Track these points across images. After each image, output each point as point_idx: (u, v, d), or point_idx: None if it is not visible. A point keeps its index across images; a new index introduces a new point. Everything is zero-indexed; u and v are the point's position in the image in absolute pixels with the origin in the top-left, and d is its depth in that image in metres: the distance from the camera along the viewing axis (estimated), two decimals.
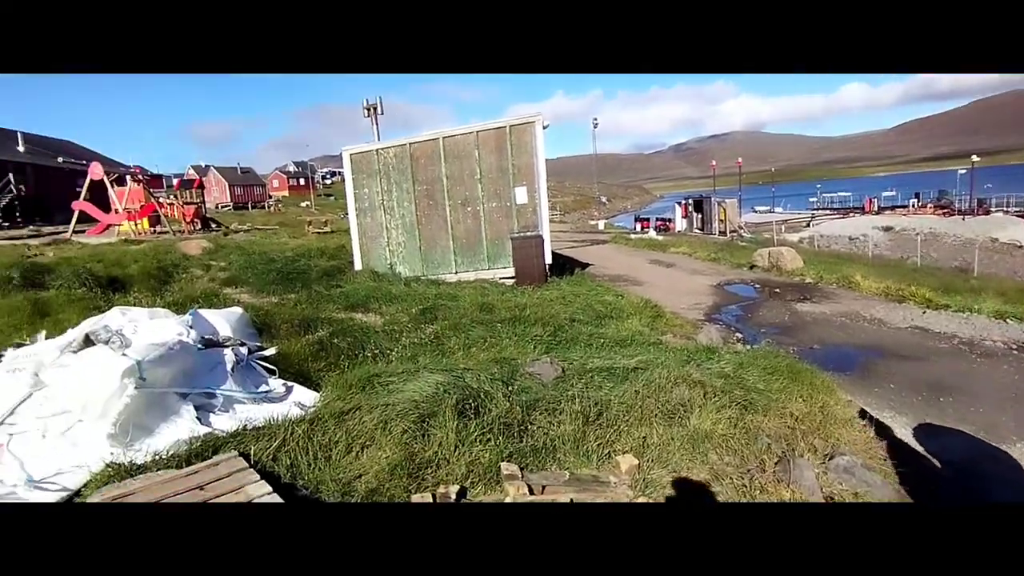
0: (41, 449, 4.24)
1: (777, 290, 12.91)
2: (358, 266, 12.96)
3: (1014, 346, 7.82)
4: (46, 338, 6.01)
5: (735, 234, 35.41)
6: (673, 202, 47.15)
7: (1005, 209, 42.08)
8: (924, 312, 10.02)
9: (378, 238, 12.93)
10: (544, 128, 12.52)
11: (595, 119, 53.06)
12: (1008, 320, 9.19)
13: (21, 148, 35.31)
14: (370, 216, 12.90)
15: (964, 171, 47.47)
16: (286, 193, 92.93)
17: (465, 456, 3.84)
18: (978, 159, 47.97)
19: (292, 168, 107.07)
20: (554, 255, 18.98)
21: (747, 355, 6.40)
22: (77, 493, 3.91)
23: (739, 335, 9.13)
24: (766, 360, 6.10)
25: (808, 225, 44.16)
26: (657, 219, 45.71)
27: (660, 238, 30.20)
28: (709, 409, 4.57)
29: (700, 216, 39.55)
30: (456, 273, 12.69)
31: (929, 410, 5.83)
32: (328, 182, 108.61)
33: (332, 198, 79.48)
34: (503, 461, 3.84)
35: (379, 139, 15.95)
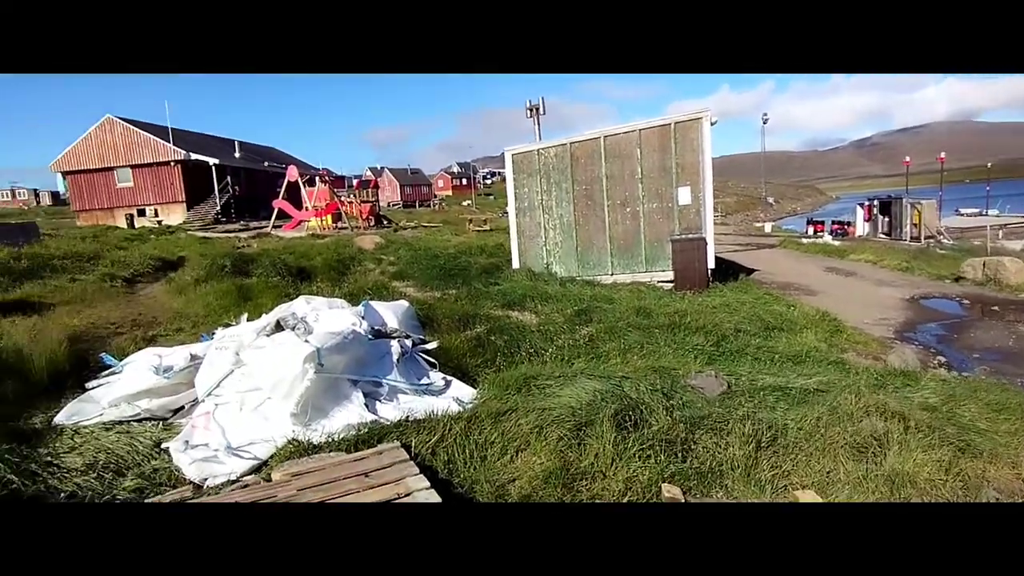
0: (238, 420, 4.76)
1: (995, 308, 10.92)
2: (515, 265, 13.19)
3: None
4: (247, 320, 6.81)
5: (932, 240, 30.77)
6: (853, 204, 42.25)
7: None
8: None
9: (536, 238, 13.05)
10: (712, 124, 11.79)
11: (765, 114, 49.46)
12: None
13: (237, 155, 41.09)
14: (529, 216, 13.06)
15: None
16: (449, 192, 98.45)
17: (623, 471, 3.63)
18: None
19: (456, 168, 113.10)
20: (717, 259, 17.92)
21: (959, 385, 5.41)
22: (265, 463, 4.32)
23: (942, 359, 7.83)
24: (988, 393, 5.10)
25: None
26: (833, 222, 41.19)
27: (837, 243, 27.18)
28: (912, 447, 3.89)
29: (887, 219, 34.92)
30: (612, 275, 12.41)
31: None
32: (488, 182, 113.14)
33: (491, 197, 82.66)
34: (664, 482, 3.57)
35: (540, 139, 16.14)
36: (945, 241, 31.67)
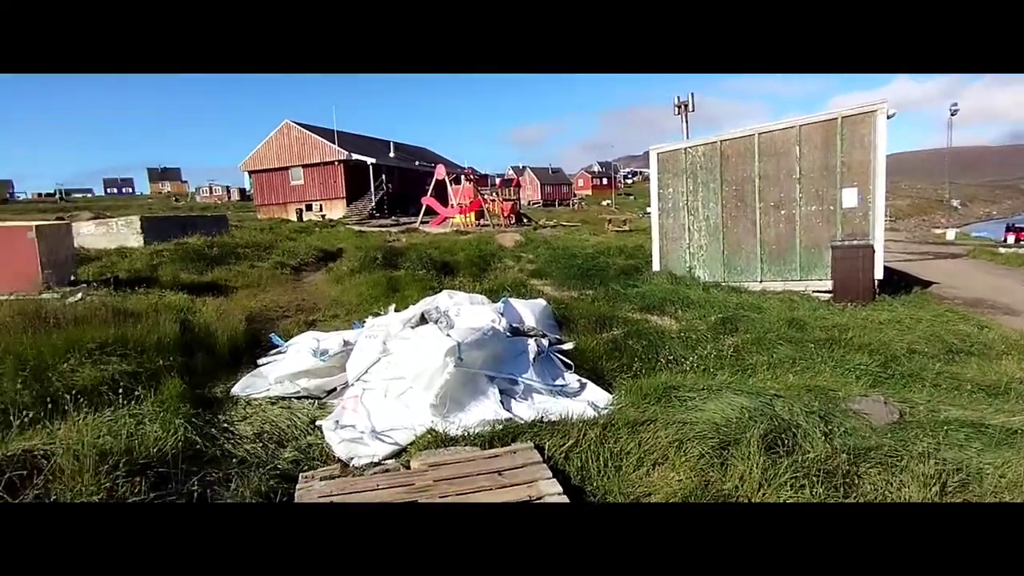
0: (383, 406, 5.05)
1: None
2: (656, 267, 12.78)
3: None
4: (395, 311, 7.23)
5: None
6: None
7: None
8: None
9: (679, 240, 12.53)
10: (889, 118, 10.53)
11: (954, 104, 43.46)
12: None
13: (392, 154, 44.16)
14: (672, 217, 12.57)
15: None
16: (589, 192, 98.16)
17: (771, 499, 3.32)
18: None
19: (596, 168, 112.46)
20: (884, 269, 16.08)
21: None
22: (404, 449, 4.54)
23: None
24: None
25: None
26: None
27: None
28: None
29: None
30: (761, 282, 11.57)
31: None
32: (629, 181, 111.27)
33: (632, 197, 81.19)
34: None
35: (687, 137, 15.48)
36: None
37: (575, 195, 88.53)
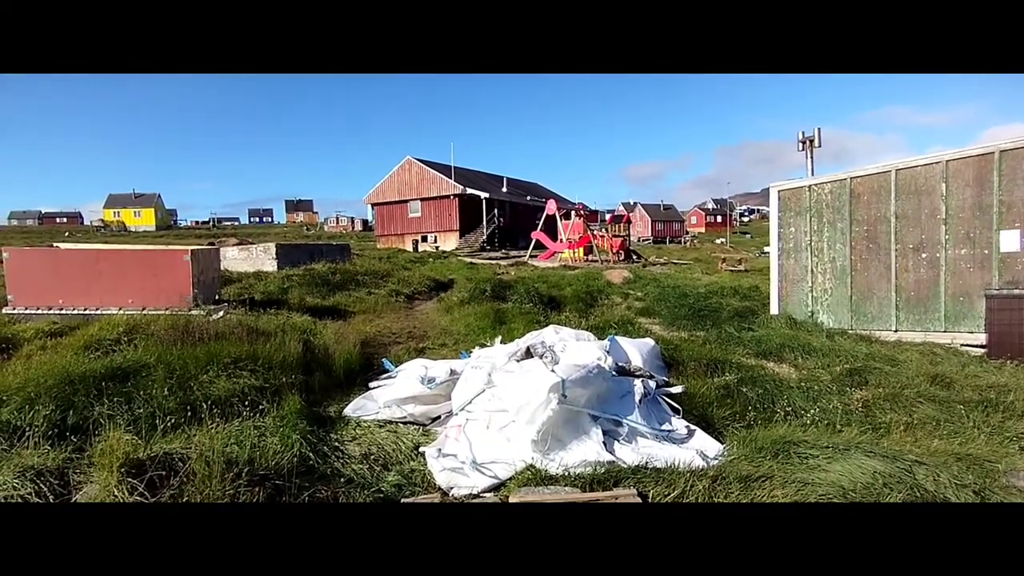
0: (485, 437, 5.06)
1: None
2: (774, 310, 12.01)
3: None
4: (501, 343, 7.30)
5: None
6: None
7: None
8: None
9: (800, 282, 11.72)
10: None
11: None
12: None
13: (504, 189, 45.45)
14: (793, 258, 11.81)
15: None
16: (703, 229, 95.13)
17: None
18: None
19: (711, 205, 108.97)
20: None
21: None
22: (503, 483, 4.50)
23: None
24: None
25: None
26: None
27: None
28: None
29: None
30: (896, 331, 10.49)
31: None
32: (745, 220, 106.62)
33: (748, 236, 77.57)
34: None
35: (812, 173, 14.57)
36: None
37: (687, 232, 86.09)
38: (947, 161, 10.02)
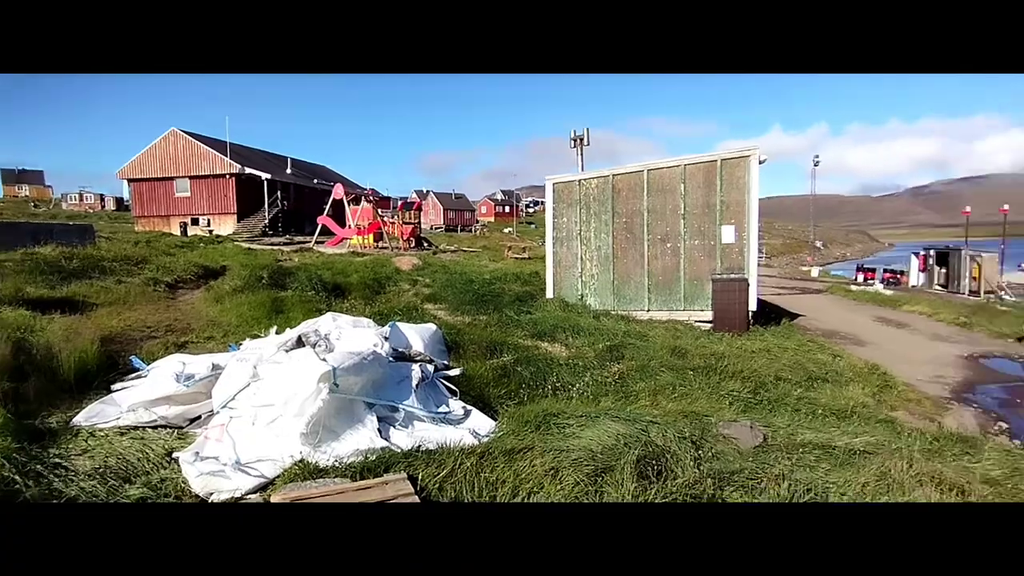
0: (250, 435, 4.63)
1: None
2: (549, 294, 12.99)
3: None
4: (276, 333, 6.77)
5: (991, 295, 29.23)
6: (908, 252, 40.66)
7: None
8: None
9: (572, 268, 12.85)
10: (760, 163, 11.47)
11: (816, 157, 48.43)
12: None
13: (289, 171, 42.39)
14: (566, 246, 12.89)
15: None
16: (492, 219, 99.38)
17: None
18: None
19: (499, 196, 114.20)
20: (759, 302, 17.34)
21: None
22: (271, 482, 4.18)
23: (1004, 425, 7.22)
24: None
25: None
26: (885, 270, 39.72)
27: (888, 293, 26.03)
28: None
29: (944, 271, 33.46)
30: (648, 311, 12.07)
31: None
32: (531, 210, 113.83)
33: (533, 226, 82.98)
34: None
35: (582, 169, 16.03)
36: (1006, 297, 30.05)
37: (477, 221, 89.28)
38: (685, 165, 11.75)
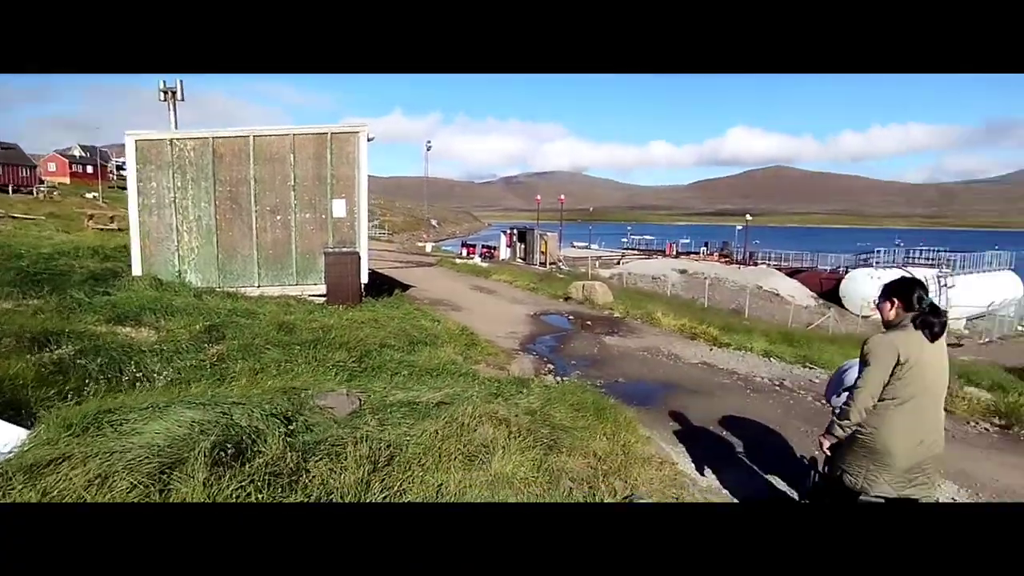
0: None
1: (588, 323, 13.49)
2: (137, 271, 11.04)
3: (776, 383, 8.81)
4: None
5: (554, 266, 37.31)
6: (500, 231, 48.66)
7: (768, 262, 49.80)
8: (711, 349, 11.04)
9: (166, 241, 11.15)
10: (369, 140, 11.85)
11: (428, 142, 53.29)
12: (771, 358, 10.44)
13: None
14: (157, 215, 11.10)
15: (740, 227, 55.48)
16: (67, 180, 79.52)
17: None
18: (750, 219, 56.50)
19: (78, 152, 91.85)
20: (374, 275, 18.15)
21: (556, 389, 6.33)
22: None
23: (551, 366, 9.20)
24: (574, 395, 6.06)
25: (619, 263, 48.14)
26: (483, 246, 46.71)
27: (484, 265, 30.66)
28: (512, 450, 4.27)
29: (523, 246, 41.16)
30: (259, 287, 11.36)
31: (717, 445, 6.17)
32: (124, 173, 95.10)
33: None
34: None
35: (176, 127, 13.99)
36: (564, 267, 38.60)
37: (42, 181, 70.15)
38: (295, 135, 11.34)
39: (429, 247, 45.72)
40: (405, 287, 18.05)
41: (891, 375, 3.11)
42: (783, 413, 7.36)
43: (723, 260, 50.79)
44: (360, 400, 5.27)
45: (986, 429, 7.15)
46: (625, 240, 70.48)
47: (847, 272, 39.59)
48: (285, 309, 10.23)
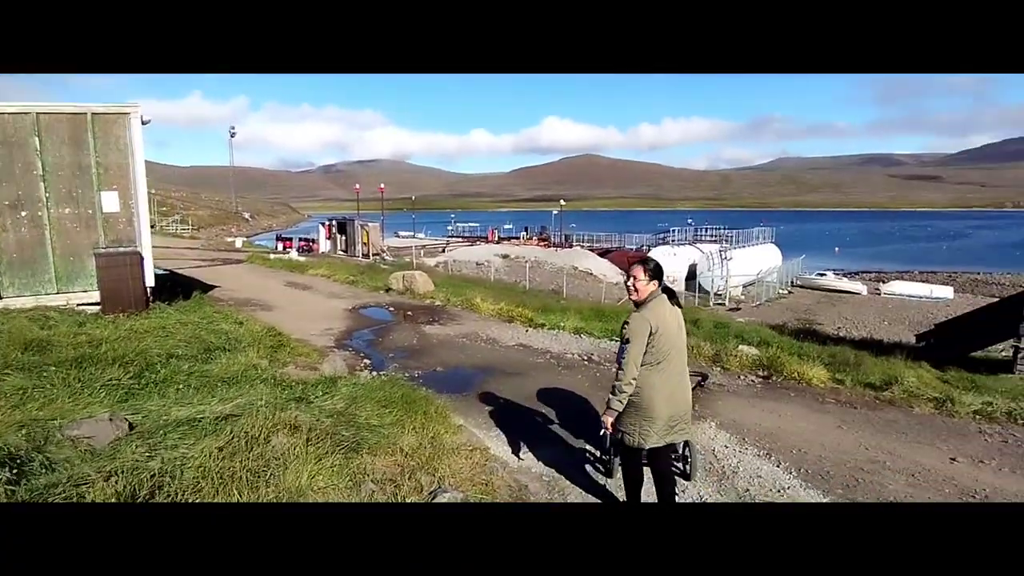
0: None
1: (409, 313, 13.27)
2: None
3: (585, 358, 9.39)
4: None
5: (378, 257, 36.38)
6: (320, 223, 46.23)
7: (582, 244, 53.53)
8: (527, 331, 11.44)
9: None
10: (144, 123, 10.34)
11: (232, 128, 48.75)
12: (582, 335, 11.12)
13: None
14: None
15: (556, 212, 58.85)
16: None
17: None
18: (564, 203, 60.19)
19: None
20: (168, 276, 16.18)
21: (366, 386, 6.04)
22: None
23: (367, 361, 8.85)
24: (383, 390, 5.83)
25: (444, 251, 48.39)
26: (301, 239, 44.07)
27: (302, 259, 28.87)
28: (309, 459, 3.95)
29: (344, 238, 39.56)
30: (1, 299, 9.40)
31: (531, 422, 6.36)
32: None
33: None
34: None
35: None
36: (388, 258, 37.79)
37: None
38: (38, 114, 9.46)
39: (239, 242, 41.96)
40: (208, 288, 16.32)
41: (647, 345, 3.56)
42: (591, 385, 7.84)
43: (542, 244, 53.47)
44: (129, 424, 4.54)
45: (752, 381, 8.28)
46: (451, 228, 71.12)
47: (649, 250, 43.88)
48: (41, 323, 8.59)
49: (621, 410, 3.71)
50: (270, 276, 20.86)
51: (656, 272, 3.70)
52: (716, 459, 5.36)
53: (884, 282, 46.35)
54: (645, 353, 3.57)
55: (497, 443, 5.62)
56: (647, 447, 3.74)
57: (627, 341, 3.60)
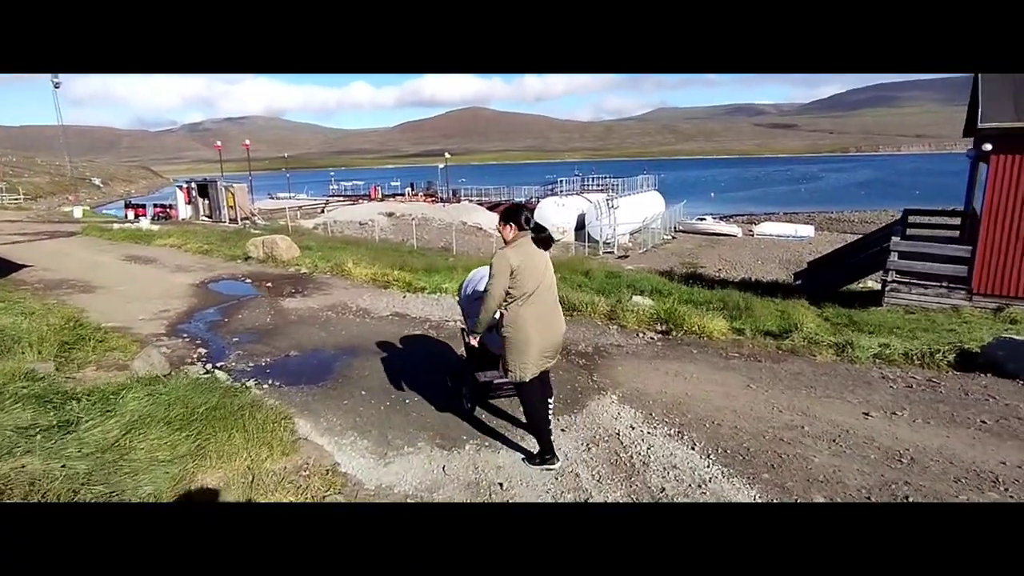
0: None
1: (270, 284, 11.48)
2: None
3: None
4: None
5: (247, 221, 33.00)
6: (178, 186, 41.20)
7: (470, 199, 52.16)
8: (404, 296, 10.15)
9: None
10: None
11: (56, 79, 41.85)
12: None
13: None
14: None
15: (442, 166, 56.71)
16: None
17: None
18: (450, 157, 58.16)
19: None
20: None
21: (164, 395, 4.52)
22: None
23: (203, 351, 7.20)
24: (189, 399, 4.38)
25: (322, 211, 45.15)
26: (156, 206, 39.15)
27: (156, 228, 25.24)
28: None
29: (207, 202, 35.51)
30: None
31: (398, 418, 5.17)
32: None
33: None
34: None
35: None
36: (259, 221, 34.45)
37: None
38: None
39: (78, 212, 36.50)
40: (19, 267, 13.51)
41: (511, 280, 3.85)
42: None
43: (429, 200, 51.49)
44: None
45: (652, 338, 7.59)
46: (333, 187, 66.86)
47: (538, 202, 43.35)
48: None
49: (481, 333, 4.18)
50: (107, 250, 17.82)
51: (508, 216, 4.06)
52: (622, 447, 4.49)
53: (755, 224, 49.24)
54: (513, 288, 3.87)
55: (351, 454, 4.40)
56: (527, 379, 4.01)
57: (492, 276, 3.89)
